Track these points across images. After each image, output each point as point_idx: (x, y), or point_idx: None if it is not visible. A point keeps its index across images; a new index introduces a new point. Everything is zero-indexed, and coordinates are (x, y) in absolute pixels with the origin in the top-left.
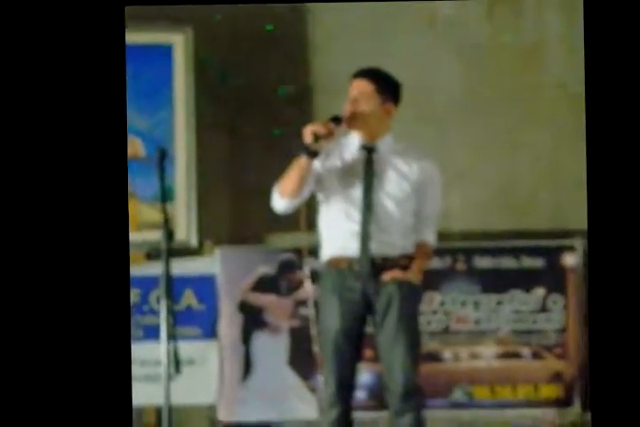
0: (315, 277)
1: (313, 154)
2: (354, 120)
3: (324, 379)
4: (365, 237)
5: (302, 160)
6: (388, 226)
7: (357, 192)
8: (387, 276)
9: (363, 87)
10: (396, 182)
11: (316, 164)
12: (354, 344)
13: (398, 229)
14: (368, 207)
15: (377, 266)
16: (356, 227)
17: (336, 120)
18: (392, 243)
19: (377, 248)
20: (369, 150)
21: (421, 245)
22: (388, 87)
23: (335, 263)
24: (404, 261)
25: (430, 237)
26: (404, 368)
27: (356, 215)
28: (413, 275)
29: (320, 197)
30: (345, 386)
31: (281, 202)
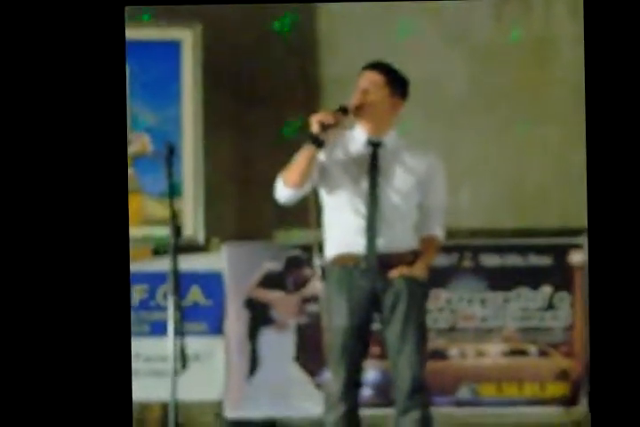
0: (322, 273)
1: (319, 143)
2: (362, 111)
3: (331, 376)
4: (372, 234)
5: (308, 149)
6: (394, 221)
7: (363, 188)
8: (394, 273)
9: (373, 78)
10: (401, 177)
11: (321, 156)
12: (361, 342)
13: (404, 224)
14: (374, 203)
15: (384, 263)
16: (362, 223)
17: (343, 110)
18: (399, 238)
19: (383, 244)
20: (375, 145)
21: (429, 239)
22: (398, 81)
23: (341, 260)
24: (411, 257)
25: (438, 231)
26: (411, 365)
27: (362, 211)
28: (420, 271)
29: (324, 192)
30: (352, 384)
31: (285, 191)
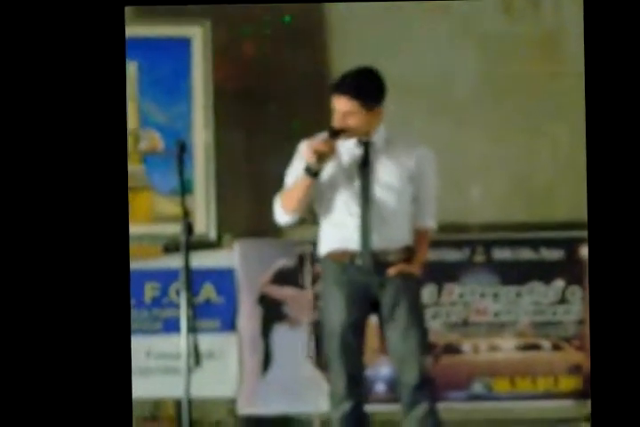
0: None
1: (315, 174)
2: (347, 133)
3: (333, 374)
4: (366, 232)
5: (304, 180)
6: (387, 217)
7: (355, 185)
8: (391, 271)
9: (346, 105)
10: (392, 173)
11: None
12: (360, 338)
13: (399, 221)
14: (367, 201)
15: (379, 259)
16: (355, 220)
17: (334, 134)
18: (393, 235)
19: (378, 241)
20: (365, 145)
21: (421, 231)
22: (370, 97)
23: (336, 257)
24: (406, 253)
25: (430, 222)
26: (417, 360)
27: (355, 209)
28: (416, 269)
29: (318, 189)
30: (355, 380)
31: (285, 217)
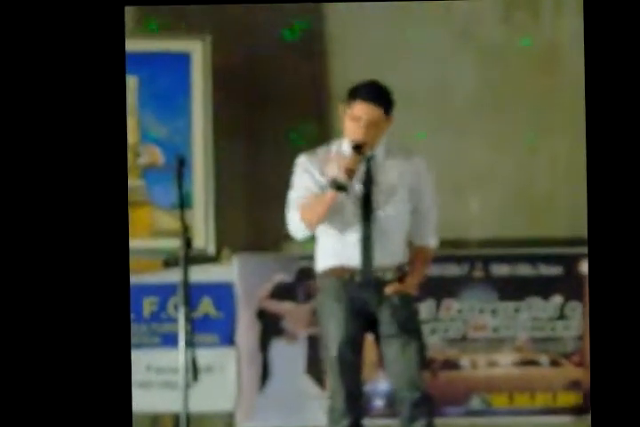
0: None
1: (345, 190)
2: (368, 145)
3: (332, 390)
4: (367, 249)
5: (332, 197)
6: (387, 234)
7: (356, 200)
8: (389, 289)
9: (372, 113)
10: (393, 187)
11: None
12: (358, 354)
13: (396, 236)
14: (368, 217)
15: (377, 277)
16: (355, 236)
17: (358, 149)
18: (392, 251)
19: (378, 258)
20: (369, 159)
21: (422, 249)
22: (390, 105)
23: (335, 273)
24: (404, 270)
25: (432, 241)
26: (415, 377)
27: (356, 224)
28: (414, 288)
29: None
30: (354, 396)
31: (304, 231)
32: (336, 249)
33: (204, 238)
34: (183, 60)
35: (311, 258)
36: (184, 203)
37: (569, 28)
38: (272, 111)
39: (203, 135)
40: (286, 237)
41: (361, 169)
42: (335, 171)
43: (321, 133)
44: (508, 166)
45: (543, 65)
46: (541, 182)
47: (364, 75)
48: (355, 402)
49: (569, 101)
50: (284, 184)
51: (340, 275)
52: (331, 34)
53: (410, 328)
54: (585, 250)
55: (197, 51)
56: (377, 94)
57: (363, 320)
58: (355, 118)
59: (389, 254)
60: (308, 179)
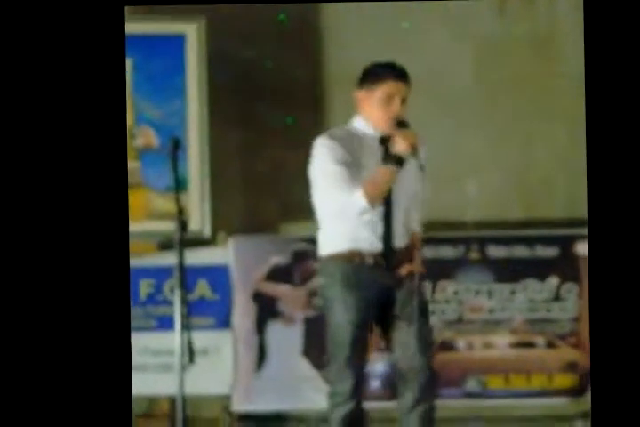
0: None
1: (402, 164)
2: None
3: (338, 374)
4: (388, 231)
5: (392, 171)
6: (399, 217)
7: None
8: (404, 270)
9: (406, 91)
10: (406, 170)
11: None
12: (367, 338)
13: (404, 219)
14: (389, 200)
15: (390, 259)
16: (369, 218)
17: (405, 124)
18: (401, 233)
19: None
20: (385, 138)
21: (415, 234)
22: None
23: (346, 257)
24: (410, 252)
25: (418, 227)
26: (427, 358)
27: (374, 207)
28: (421, 267)
29: (322, 176)
30: (361, 380)
31: (365, 206)
32: (346, 232)
33: (199, 221)
34: (178, 42)
35: (307, 240)
36: (179, 185)
37: (563, 17)
38: (268, 94)
39: (198, 118)
40: (282, 218)
41: (377, 147)
42: (402, 146)
43: (317, 117)
44: (504, 150)
45: (538, 53)
46: (537, 166)
47: (360, 63)
48: (359, 387)
49: (564, 88)
50: (279, 165)
51: (352, 258)
52: (326, 21)
53: (423, 310)
54: (581, 231)
55: (192, 33)
56: (405, 73)
57: (374, 304)
58: (388, 97)
59: (399, 236)
60: (341, 157)
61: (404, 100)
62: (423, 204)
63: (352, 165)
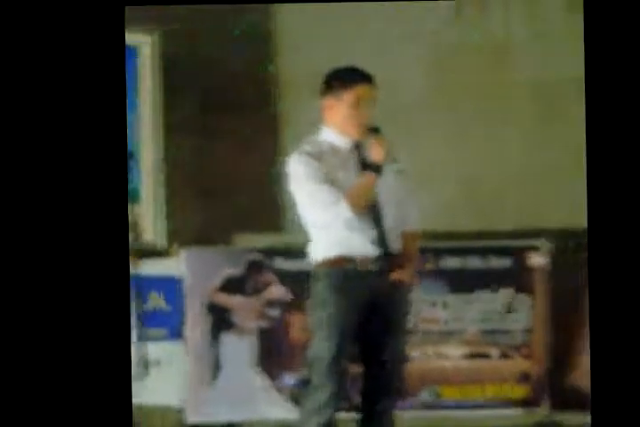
0: (283, 277)
1: (381, 171)
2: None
3: (319, 382)
4: (382, 236)
5: (373, 177)
6: (390, 220)
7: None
8: (394, 276)
9: (375, 94)
10: (388, 171)
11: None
12: (351, 346)
13: (393, 223)
14: (376, 203)
15: (382, 265)
16: (360, 224)
17: (378, 130)
18: (392, 239)
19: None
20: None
21: (411, 234)
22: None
23: (336, 263)
24: (404, 258)
25: (415, 224)
26: (402, 366)
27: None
28: (412, 277)
29: (305, 191)
30: (342, 387)
31: (348, 214)
32: (337, 238)
33: (153, 232)
34: (131, 53)
35: (261, 251)
36: (132, 197)
37: (518, 24)
38: (221, 105)
39: (151, 129)
40: (236, 230)
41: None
42: (379, 155)
43: (270, 126)
44: (457, 160)
45: (492, 61)
46: (490, 175)
47: (313, 70)
48: (339, 395)
49: (518, 96)
50: (233, 177)
51: (343, 264)
52: (280, 29)
53: (405, 318)
54: (533, 242)
55: (146, 45)
56: (371, 75)
57: (366, 310)
58: (357, 102)
59: (391, 241)
60: (318, 173)
61: (373, 104)
62: (414, 207)
63: (330, 179)
